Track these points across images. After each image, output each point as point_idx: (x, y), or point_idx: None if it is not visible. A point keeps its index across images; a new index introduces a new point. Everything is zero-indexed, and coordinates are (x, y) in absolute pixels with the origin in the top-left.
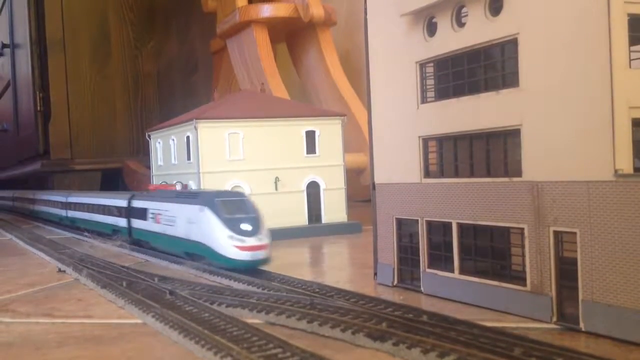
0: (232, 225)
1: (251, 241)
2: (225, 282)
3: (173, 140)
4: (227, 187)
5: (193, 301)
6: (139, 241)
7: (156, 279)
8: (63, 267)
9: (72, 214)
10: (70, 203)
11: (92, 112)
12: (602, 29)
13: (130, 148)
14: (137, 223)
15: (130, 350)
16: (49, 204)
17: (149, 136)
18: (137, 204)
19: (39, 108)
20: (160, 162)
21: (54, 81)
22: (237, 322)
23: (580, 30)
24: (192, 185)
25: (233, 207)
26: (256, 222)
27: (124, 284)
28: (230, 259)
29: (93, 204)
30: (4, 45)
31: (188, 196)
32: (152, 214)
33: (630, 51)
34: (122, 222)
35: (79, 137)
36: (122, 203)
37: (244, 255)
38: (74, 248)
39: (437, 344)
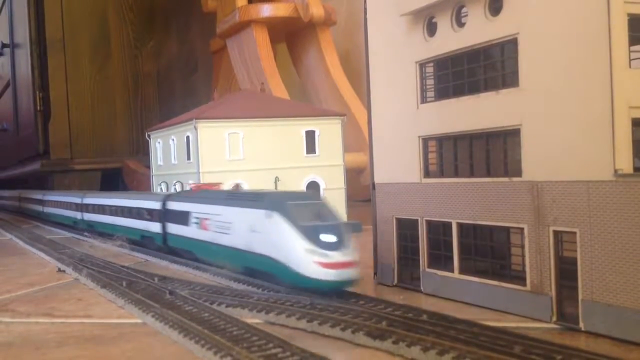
0: (311, 235)
1: (337, 256)
2: (225, 282)
3: (173, 140)
4: (227, 186)
5: (193, 301)
6: (175, 250)
7: (156, 278)
8: (63, 267)
9: (89, 216)
10: (88, 205)
11: (92, 112)
12: (602, 29)
13: (130, 148)
14: (174, 229)
15: (130, 350)
16: (61, 206)
17: (149, 136)
18: (175, 206)
19: (38, 108)
20: (160, 162)
21: (53, 81)
22: (237, 322)
23: (580, 30)
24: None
25: (309, 213)
26: (340, 231)
27: (124, 283)
28: (309, 278)
29: (116, 206)
30: (4, 45)
31: (247, 198)
32: (197, 218)
33: (630, 51)
34: (154, 227)
35: (79, 137)
36: (155, 205)
37: (328, 275)
38: (74, 248)
39: (436, 342)
